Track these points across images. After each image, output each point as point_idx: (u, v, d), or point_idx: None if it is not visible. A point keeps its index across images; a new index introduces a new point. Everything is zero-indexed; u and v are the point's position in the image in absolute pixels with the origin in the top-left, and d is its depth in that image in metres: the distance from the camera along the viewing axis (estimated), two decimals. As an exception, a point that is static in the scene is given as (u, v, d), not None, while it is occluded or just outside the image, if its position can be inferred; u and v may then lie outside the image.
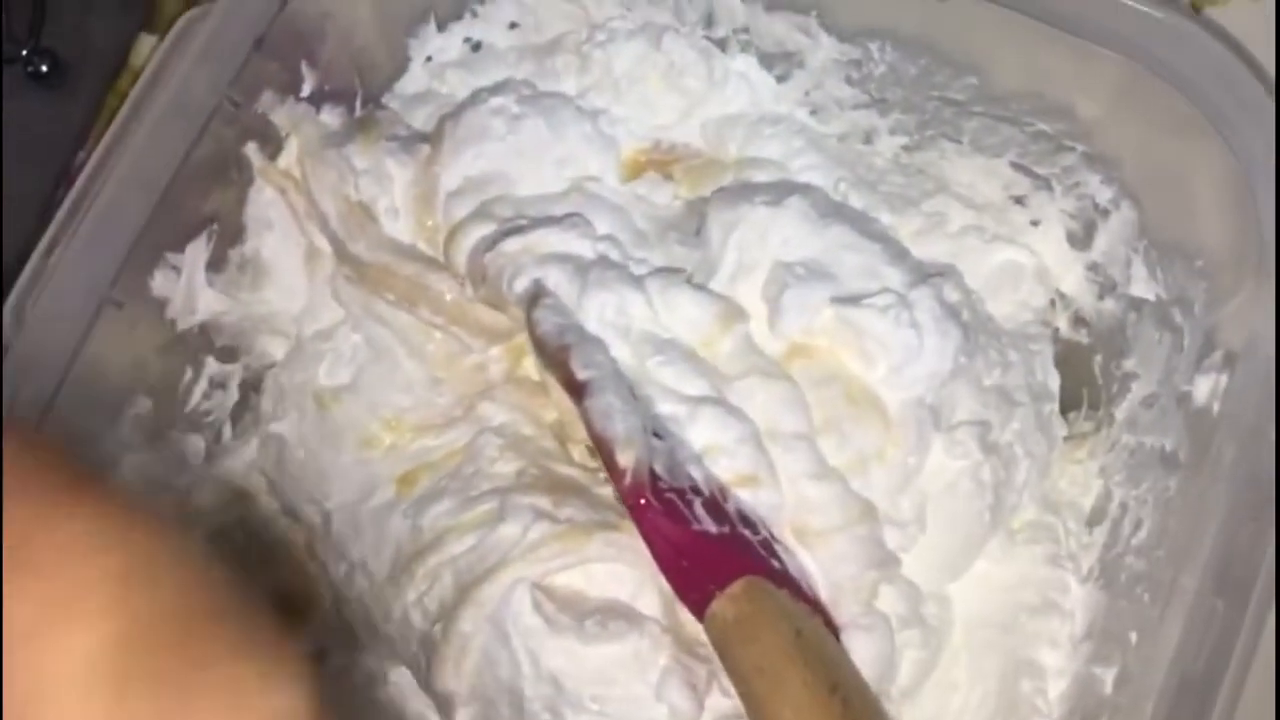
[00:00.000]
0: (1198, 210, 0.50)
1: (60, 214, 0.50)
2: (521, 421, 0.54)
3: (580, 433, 0.50)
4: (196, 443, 0.55)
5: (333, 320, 0.56)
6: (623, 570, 0.49)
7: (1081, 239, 0.57)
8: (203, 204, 0.53)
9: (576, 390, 0.47)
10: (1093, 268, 0.57)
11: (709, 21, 0.58)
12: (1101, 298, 0.57)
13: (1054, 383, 0.56)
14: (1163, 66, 0.48)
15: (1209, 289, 0.49)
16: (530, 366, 0.55)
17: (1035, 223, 0.58)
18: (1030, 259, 0.57)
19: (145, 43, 0.64)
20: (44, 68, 0.81)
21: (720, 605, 0.44)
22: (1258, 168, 0.46)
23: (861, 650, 0.48)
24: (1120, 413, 0.55)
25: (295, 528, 0.58)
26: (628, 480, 0.44)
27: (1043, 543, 0.53)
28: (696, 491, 0.46)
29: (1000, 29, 0.50)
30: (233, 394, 0.57)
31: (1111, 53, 0.48)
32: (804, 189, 0.55)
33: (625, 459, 0.44)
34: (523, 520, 0.49)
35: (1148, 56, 0.48)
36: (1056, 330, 0.58)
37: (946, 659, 0.51)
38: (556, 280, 0.50)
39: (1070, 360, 0.58)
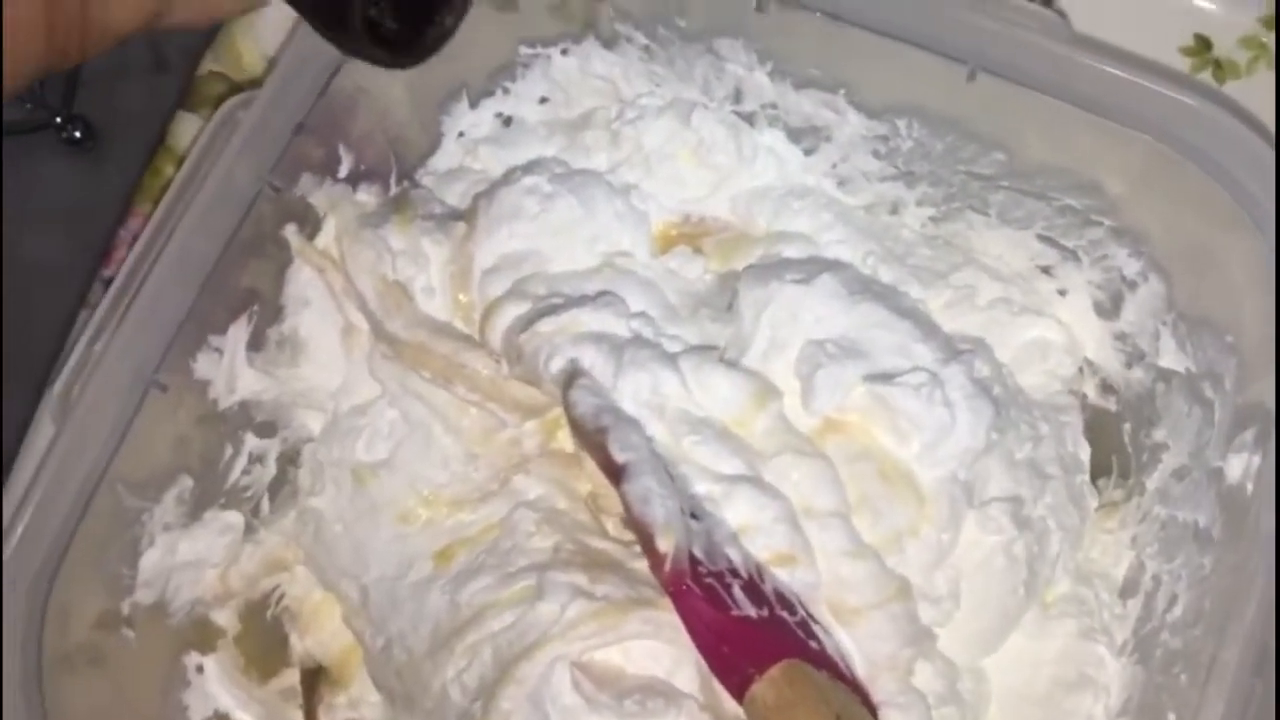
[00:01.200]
0: (1227, 287, 0.50)
1: (106, 300, 0.51)
2: (556, 495, 0.55)
3: (615, 505, 0.51)
4: (236, 518, 0.56)
5: (370, 396, 0.57)
6: (660, 647, 0.50)
7: (1109, 309, 0.58)
8: (243, 284, 0.54)
9: (614, 473, 0.47)
10: (1120, 337, 0.58)
11: (737, 97, 0.59)
12: (1130, 366, 0.58)
13: (1085, 453, 0.57)
14: (1187, 146, 0.48)
15: (1239, 365, 0.50)
16: (564, 439, 0.55)
17: (1062, 292, 0.59)
18: (1059, 332, 0.57)
19: (183, 121, 0.65)
20: (77, 134, 0.83)
21: (760, 689, 0.44)
22: (1285, 248, 0.46)
23: (899, 729, 0.48)
24: (1151, 483, 0.55)
25: (332, 600, 0.59)
26: (668, 566, 0.44)
27: (1077, 616, 0.53)
28: (735, 574, 0.46)
29: (1026, 109, 0.51)
30: (271, 468, 0.58)
31: (1136, 133, 0.49)
32: (834, 266, 0.55)
33: (665, 544, 0.45)
34: (560, 598, 0.50)
35: (1172, 137, 0.48)
36: (1085, 397, 0.59)
37: (983, 735, 0.52)
38: (592, 360, 0.51)
39: (1099, 427, 0.59)
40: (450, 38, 0.40)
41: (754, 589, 0.46)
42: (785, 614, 0.47)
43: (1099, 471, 0.59)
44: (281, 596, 0.60)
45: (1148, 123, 0.49)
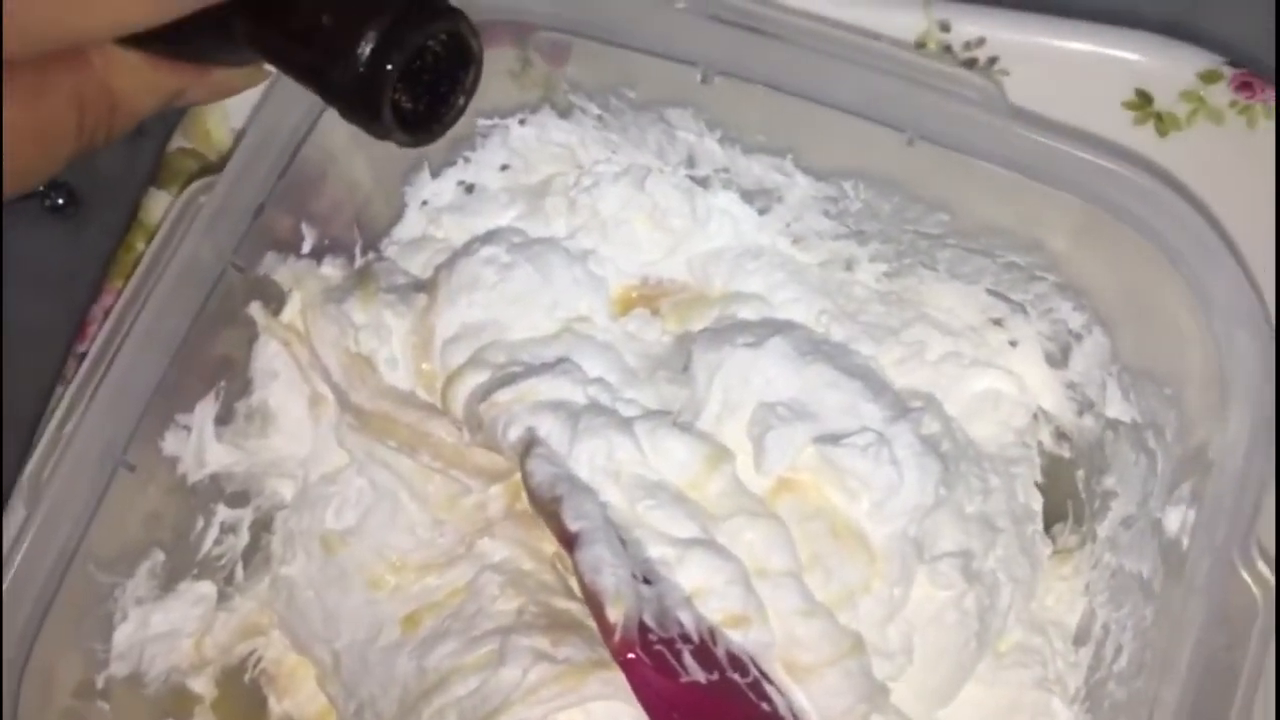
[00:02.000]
0: (1165, 341, 0.51)
1: (76, 381, 0.52)
2: (521, 556, 0.56)
3: (578, 567, 0.52)
4: (209, 588, 0.57)
5: (338, 465, 0.58)
6: (621, 708, 0.51)
7: (1059, 359, 0.59)
8: (210, 360, 0.55)
9: (568, 542, 0.49)
10: (1071, 386, 0.59)
11: (690, 162, 0.60)
12: (1081, 414, 0.59)
13: (1036, 503, 0.58)
14: (1121, 211, 0.50)
15: (1178, 417, 0.51)
16: (529, 501, 0.57)
17: (1014, 343, 0.60)
18: (1010, 383, 0.59)
19: (155, 198, 0.66)
20: (60, 200, 0.85)
21: (711, 754, 0.45)
22: (1215, 307, 0.48)
23: (855, 784, 0.49)
24: (1103, 530, 0.56)
25: (308, 663, 0.60)
26: (617, 636, 0.46)
27: (1030, 666, 0.54)
28: (686, 639, 0.47)
29: (965, 172, 0.52)
30: (244, 536, 0.59)
31: (1070, 196, 0.51)
32: (785, 328, 0.57)
33: (614, 614, 0.46)
34: (522, 662, 0.51)
35: (1103, 200, 0.50)
36: (1040, 444, 0.60)
37: (940, 786, 0.53)
38: (548, 429, 0.52)
39: (1054, 474, 0.60)
40: (462, 114, 0.42)
41: (705, 653, 0.48)
42: (737, 676, 0.48)
43: (1055, 517, 0.60)
44: (259, 660, 0.61)
45: (1080, 187, 0.50)
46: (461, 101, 0.42)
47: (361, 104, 0.39)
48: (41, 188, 0.84)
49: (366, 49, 0.38)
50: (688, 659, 0.46)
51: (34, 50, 0.39)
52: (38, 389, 0.70)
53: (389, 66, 0.38)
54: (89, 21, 0.39)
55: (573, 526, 0.49)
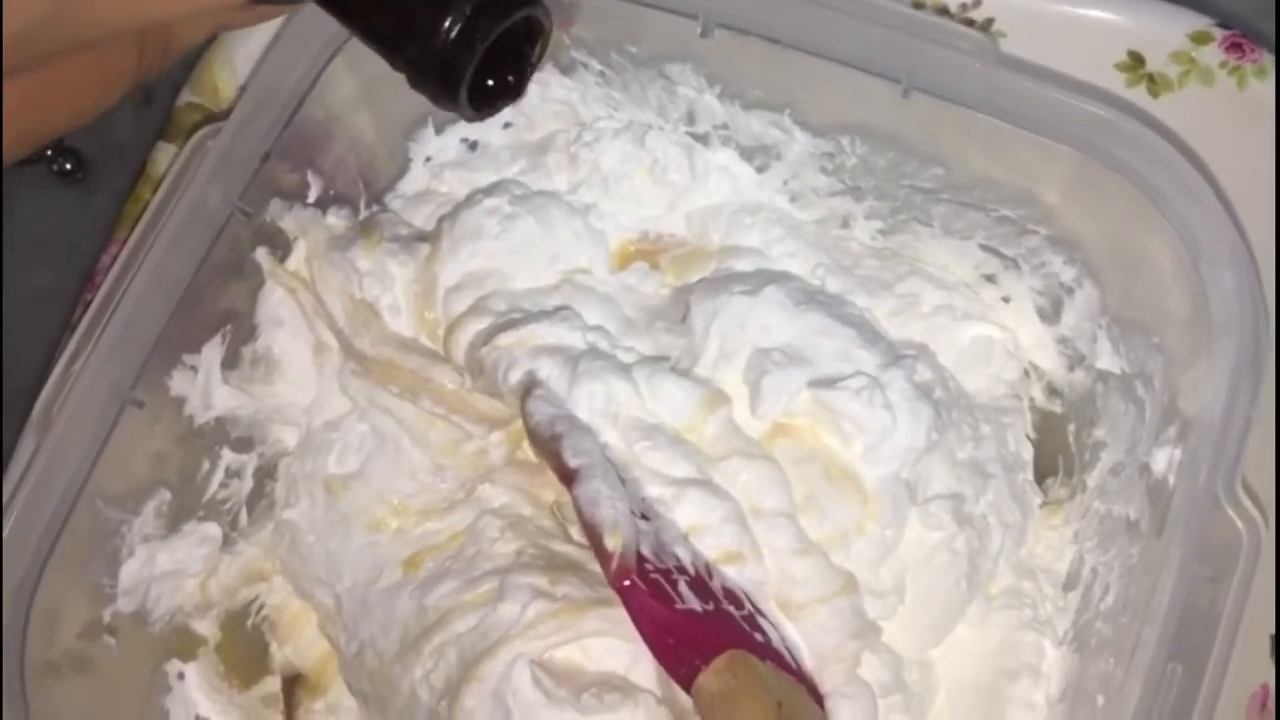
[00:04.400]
0: (1152, 289, 0.53)
1: (85, 321, 0.53)
2: (521, 502, 0.57)
3: (576, 512, 0.53)
4: (214, 530, 0.58)
5: (341, 411, 0.59)
6: (618, 644, 0.52)
7: (1051, 314, 0.60)
8: (217, 306, 0.56)
9: (567, 478, 0.50)
10: (1062, 341, 0.60)
11: (690, 119, 0.61)
12: (1072, 369, 0.60)
13: (1027, 453, 0.59)
14: (1110, 158, 0.51)
15: (1165, 364, 0.52)
16: (529, 449, 0.58)
17: (1006, 299, 0.61)
18: (1000, 333, 0.60)
19: (163, 151, 0.67)
20: (68, 166, 0.85)
21: (706, 679, 0.46)
22: (1200, 249, 0.49)
23: (846, 718, 0.50)
24: (1092, 480, 0.57)
25: (309, 609, 0.61)
26: (614, 564, 0.47)
27: (1019, 608, 0.55)
28: (682, 571, 0.48)
29: (959, 125, 0.53)
30: (248, 482, 0.60)
31: (1063, 146, 0.52)
32: (781, 277, 0.58)
33: (612, 543, 0.47)
34: (521, 599, 0.52)
35: (1095, 149, 0.51)
36: (1032, 400, 0.61)
37: (930, 724, 0.54)
38: (548, 371, 0.53)
39: (1046, 428, 0.61)
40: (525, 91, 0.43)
41: (701, 585, 0.49)
42: (732, 608, 0.49)
43: (1047, 471, 0.61)
44: (261, 607, 0.62)
45: (1071, 136, 0.51)
46: (528, 79, 0.42)
47: (439, 81, 0.39)
48: (49, 152, 0.85)
49: (454, 29, 0.37)
50: (684, 588, 0.48)
51: (117, 32, 0.39)
52: (45, 349, 0.71)
53: (473, 48, 0.38)
54: (166, 9, 0.39)
55: (572, 463, 0.50)
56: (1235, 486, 0.46)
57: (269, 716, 0.61)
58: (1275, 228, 0.58)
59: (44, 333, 0.73)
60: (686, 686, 0.47)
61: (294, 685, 0.63)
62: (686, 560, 0.49)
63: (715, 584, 0.49)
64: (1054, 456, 0.61)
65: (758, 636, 0.49)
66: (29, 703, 0.50)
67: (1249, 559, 0.45)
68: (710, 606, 0.48)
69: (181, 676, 0.58)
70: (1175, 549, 0.45)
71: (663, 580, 0.47)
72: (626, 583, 0.46)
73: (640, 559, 0.47)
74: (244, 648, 0.61)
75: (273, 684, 0.62)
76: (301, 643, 0.62)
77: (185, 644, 0.58)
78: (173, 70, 0.76)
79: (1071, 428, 0.60)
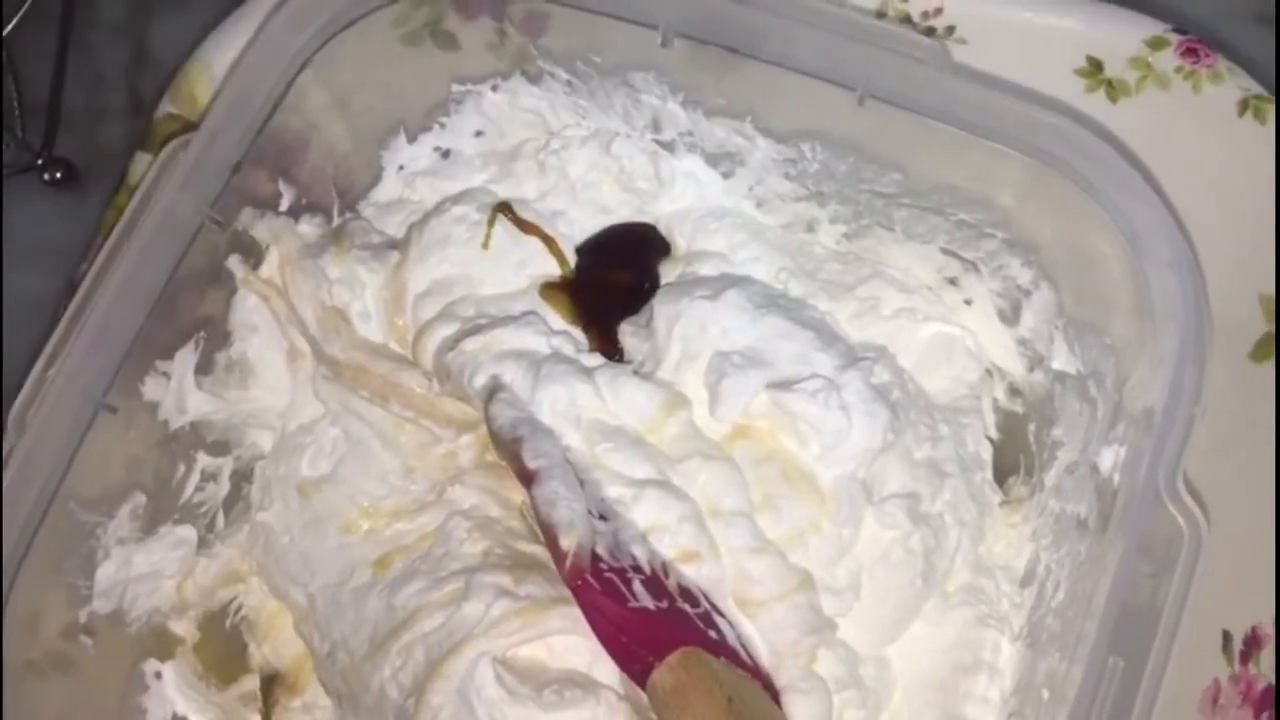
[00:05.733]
0: (1103, 291, 0.53)
1: (60, 327, 0.54)
2: (489, 504, 0.58)
3: (543, 513, 0.54)
4: (190, 533, 0.60)
5: (314, 415, 0.61)
6: (580, 642, 0.53)
7: (1010, 317, 0.61)
8: (191, 313, 0.58)
9: (527, 479, 0.51)
10: (1022, 343, 0.61)
11: (656, 126, 0.63)
12: (1031, 370, 0.61)
13: (986, 453, 0.60)
14: (1058, 162, 0.52)
15: (1116, 364, 0.53)
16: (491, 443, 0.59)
17: (968, 301, 0.62)
18: (959, 333, 0.61)
19: (141, 161, 0.69)
20: (59, 174, 0.87)
21: (659, 675, 0.47)
22: (1144, 250, 0.50)
23: (800, 713, 0.51)
24: (1049, 479, 0.58)
25: (286, 610, 0.62)
26: (569, 563, 0.48)
27: (976, 605, 0.56)
28: (638, 570, 0.50)
29: (914, 131, 0.54)
30: (224, 485, 0.61)
31: (1015, 152, 0.53)
32: (743, 282, 0.59)
33: (567, 543, 0.48)
34: (485, 598, 0.53)
35: (1044, 154, 0.52)
36: (995, 400, 0.62)
37: (886, 719, 0.55)
38: (512, 375, 0.55)
39: (1009, 428, 0.62)
40: None
41: (656, 583, 0.50)
42: (687, 606, 0.50)
43: (1009, 470, 0.62)
44: (240, 607, 0.63)
45: (1021, 142, 0.52)
46: None
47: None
48: (40, 161, 0.87)
49: None
50: (638, 587, 0.49)
51: None
52: (34, 361, 0.72)
53: None
54: None
55: (531, 465, 0.51)
56: (1176, 483, 0.47)
57: (247, 715, 0.62)
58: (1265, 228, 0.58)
59: (34, 338, 0.74)
60: (641, 683, 0.48)
61: (272, 684, 0.64)
62: (643, 559, 0.50)
63: (671, 582, 0.50)
64: (1016, 456, 0.62)
65: (712, 633, 0.50)
66: (5, 703, 0.51)
67: (1190, 555, 0.46)
68: (664, 604, 0.49)
69: (159, 676, 0.60)
70: (1116, 544, 0.46)
71: (617, 579, 0.48)
72: (580, 582, 0.47)
73: (595, 558, 0.48)
74: (223, 647, 0.62)
75: (251, 683, 0.63)
76: (279, 642, 0.63)
77: (163, 644, 0.60)
78: (162, 81, 0.78)
79: (1032, 428, 0.61)
